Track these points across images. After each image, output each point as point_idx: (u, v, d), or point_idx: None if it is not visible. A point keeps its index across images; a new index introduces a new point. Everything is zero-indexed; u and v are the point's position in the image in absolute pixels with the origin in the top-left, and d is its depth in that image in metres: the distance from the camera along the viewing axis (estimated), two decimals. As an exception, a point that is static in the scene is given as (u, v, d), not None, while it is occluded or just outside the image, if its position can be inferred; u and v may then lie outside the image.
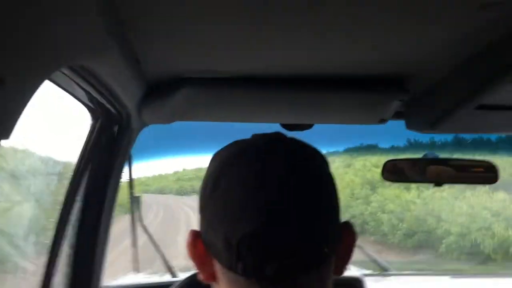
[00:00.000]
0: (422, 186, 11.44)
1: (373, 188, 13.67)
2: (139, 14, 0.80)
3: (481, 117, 1.13)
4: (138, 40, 0.92)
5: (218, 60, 1.07)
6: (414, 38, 0.92)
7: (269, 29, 0.87)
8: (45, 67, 0.63)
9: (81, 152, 1.31)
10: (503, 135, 1.28)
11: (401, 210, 12.64)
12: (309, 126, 1.47)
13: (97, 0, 0.70)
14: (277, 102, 1.28)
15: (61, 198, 1.31)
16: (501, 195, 11.22)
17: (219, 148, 0.68)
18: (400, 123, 1.36)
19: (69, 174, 1.31)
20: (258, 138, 0.67)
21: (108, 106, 1.18)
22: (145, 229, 1.91)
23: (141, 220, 1.88)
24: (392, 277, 2.14)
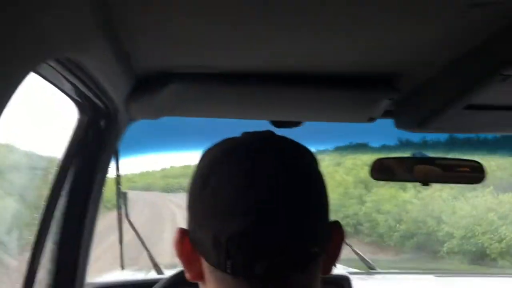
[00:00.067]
0: (420, 185, 11.48)
1: (367, 187, 13.30)
2: (129, 8, 0.79)
3: (469, 117, 1.14)
4: (127, 34, 0.91)
5: (207, 56, 1.06)
6: (404, 38, 0.92)
7: (259, 26, 0.87)
8: (30, 59, 0.62)
9: (67, 147, 1.29)
10: (499, 135, 1.28)
11: (398, 211, 12.26)
12: (298, 124, 1.47)
13: None
14: (266, 99, 1.27)
15: (45, 193, 1.29)
16: (507, 196, 10.78)
17: (208, 144, 0.68)
18: (391, 122, 1.36)
19: (54, 169, 1.29)
20: (248, 137, 0.66)
21: (95, 100, 1.16)
22: (132, 226, 1.89)
23: (127, 216, 1.86)
24: (378, 276, 2.16)
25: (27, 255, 1.28)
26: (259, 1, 0.75)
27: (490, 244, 9.90)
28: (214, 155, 0.64)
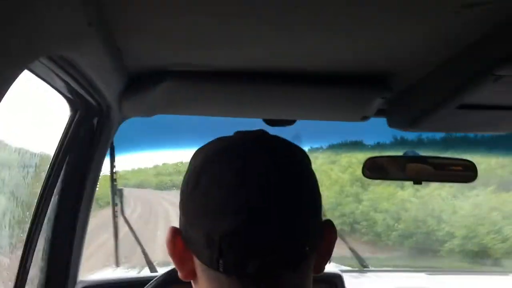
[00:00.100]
0: (418, 184, 11.17)
1: (364, 185, 12.84)
2: (122, 5, 0.79)
3: (462, 116, 1.14)
4: (119, 31, 0.90)
5: (200, 54, 1.06)
6: (397, 37, 0.93)
7: (252, 24, 0.87)
8: (23, 56, 0.61)
9: (59, 144, 1.28)
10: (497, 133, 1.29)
11: (396, 210, 11.84)
12: (292, 122, 1.47)
13: None
14: (259, 97, 1.27)
15: (37, 191, 1.29)
16: (511, 195, 10.38)
17: (201, 142, 0.68)
18: (385, 121, 1.37)
19: (47, 166, 1.29)
20: (240, 136, 0.66)
21: (88, 97, 1.16)
22: (128, 223, 1.88)
23: (123, 213, 1.85)
24: (370, 273, 2.17)
25: (19, 253, 1.27)
26: (254, 0, 0.75)
27: (494, 245, 9.53)
28: (206, 154, 0.64)
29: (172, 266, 1.36)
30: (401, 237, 11.22)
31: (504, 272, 2.34)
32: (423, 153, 1.64)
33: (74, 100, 1.20)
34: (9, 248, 1.41)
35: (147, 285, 1.23)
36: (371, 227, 12.04)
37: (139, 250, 1.97)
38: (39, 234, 1.31)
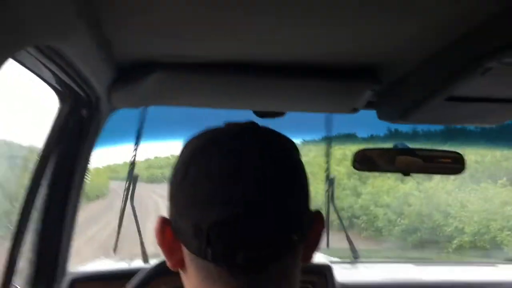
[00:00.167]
0: (420, 177, 10.40)
1: (362, 178, 12.56)
2: None
3: (451, 108, 1.15)
4: (108, 21, 0.89)
5: (190, 45, 1.06)
6: (386, 29, 0.93)
7: (242, 16, 0.86)
8: (9, 45, 0.60)
9: (48, 136, 1.27)
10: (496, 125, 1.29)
11: (399, 204, 11.27)
12: (281, 114, 1.47)
13: None
14: (249, 89, 1.27)
15: (25, 182, 1.28)
16: None
17: (191, 134, 0.68)
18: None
19: (35, 158, 1.28)
20: (231, 127, 0.66)
21: (77, 89, 1.15)
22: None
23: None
24: (360, 264, 2.18)
25: (7, 244, 1.27)
26: None
27: (509, 241, 9.07)
28: (196, 144, 0.64)
29: (161, 257, 1.36)
30: (404, 233, 10.79)
31: (493, 262, 2.37)
32: (419, 146, 1.65)
33: (62, 91, 1.19)
34: (-3, 239, 1.40)
35: (135, 275, 1.23)
36: (371, 222, 11.67)
37: (129, 241, 1.97)
38: (27, 225, 1.30)
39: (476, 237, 9.47)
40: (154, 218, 0.67)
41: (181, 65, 1.15)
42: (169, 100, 1.36)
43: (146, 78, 1.17)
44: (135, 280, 1.23)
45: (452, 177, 9.69)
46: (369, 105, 1.38)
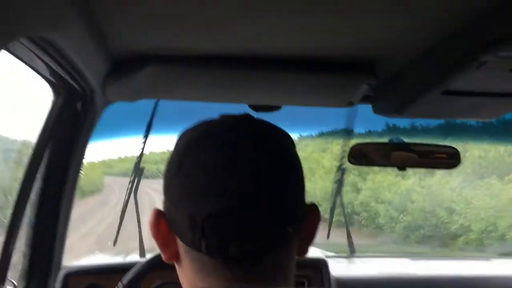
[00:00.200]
0: (422, 173, 10.21)
1: (362, 174, 12.17)
2: None
3: (446, 102, 1.15)
4: (102, 13, 0.89)
5: (185, 38, 1.05)
6: (382, 23, 0.93)
7: (238, 8, 0.86)
8: (1, 35, 0.60)
9: (42, 129, 1.27)
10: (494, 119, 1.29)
11: (401, 200, 10.90)
12: (277, 108, 1.46)
13: None
14: (244, 82, 1.26)
15: (19, 176, 1.27)
16: None
17: (187, 128, 0.67)
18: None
19: (29, 151, 1.27)
20: (226, 119, 0.66)
21: (71, 81, 1.14)
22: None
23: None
24: (355, 259, 2.19)
25: (1, 238, 1.26)
26: None
27: None
28: (190, 136, 0.64)
29: (156, 252, 1.36)
30: (407, 230, 10.47)
31: (487, 256, 2.38)
32: (418, 141, 1.65)
33: (57, 84, 1.18)
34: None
35: (131, 269, 1.23)
36: (372, 218, 11.36)
37: (125, 236, 1.96)
38: (22, 219, 1.30)
39: (483, 235, 9.13)
40: (149, 213, 0.66)
41: (177, 58, 1.15)
42: (164, 93, 1.36)
43: (141, 71, 1.16)
44: (129, 274, 1.22)
45: (455, 172, 9.52)
46: (365, 99, 1.38)
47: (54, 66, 0.99)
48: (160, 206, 0.67)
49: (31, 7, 0.65)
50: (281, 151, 0.63)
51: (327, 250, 2.10)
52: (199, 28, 0.98)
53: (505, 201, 9.38)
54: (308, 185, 0.66)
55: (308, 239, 0.67)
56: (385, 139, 1.67)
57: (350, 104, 1.40)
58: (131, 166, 1.81)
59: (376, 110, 1.35)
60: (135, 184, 1.74)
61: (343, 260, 2.12)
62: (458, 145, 1.67)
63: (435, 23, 0.90)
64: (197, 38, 1.05)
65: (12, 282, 1.32)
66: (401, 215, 10.72)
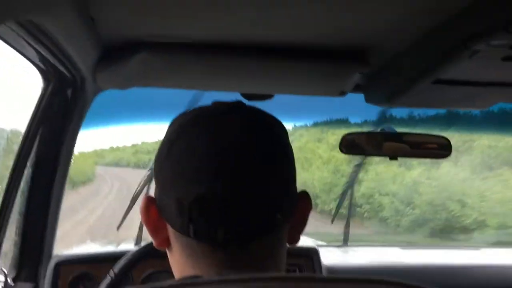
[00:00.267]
0: (428, 164, 9.60)
1: (362, 165, 11.39)
2: None
3: (438, 91, 1.15)
4: None
5: (177, 25, 1.04)
6: (375, 11, 0.92)
7: None
8: None
9: (32, 116, 1.25)
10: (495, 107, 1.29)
11: (407, 193, 10.27)
12: (270, 97, 1.46)
13: None
14: (236, 70, 1.26)
15: (10, 164, 1.26)
16: None
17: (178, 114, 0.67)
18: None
19: (19, 138, 1.26)
20: (218, 105, 0.66)
21: (61, 68, 1.13)
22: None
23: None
24: (346, 248, 2.20)
25: (-9, 226, 1.25)
26: None
27: None
28: (181, 121, 0.64)
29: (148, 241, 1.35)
30: (414, 223, 9.86)
31: (477, 246, 2.41)
32: (418, 131, 1.64)
33: (46, 71, 1.17)
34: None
35: (122, 257, 1.22)
36: (375, 211, 10.82)
37: (115, 226, 1.96)
38: (12, 208, 1.29)
39: (500, 231, 8.30)
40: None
41: (168, 45, 1.14)
42: (156, 81, 1.35)
43: (132, 58, 1.15)
44: (121, 263, 1.22)
45: (465, 163, 9.26)
46: (357, 89, 1.38)
47: (43, 52, 0.98)
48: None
49: None
50: (272, 138, 0.63)
51: (321, 240, 2.12)
52: (191, 15, 0.97)
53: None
54: (306, 175, 0.66)
55: (299, 227, 0.67)
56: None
57: (342, 93, 1.40)
58: (123, 155, 1.81)
59: (368, 99, 1.35)
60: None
61: (333, 249, 2.14)
62: (465, 134, 1.66)
63: (427, 11, 0.90)
64: (189, 25, 1.04)
65: (3, 271, 1.31)
66: (407, 208, 10.08)
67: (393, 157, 1.62)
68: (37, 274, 1.45)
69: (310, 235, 2.11)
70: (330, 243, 2.29)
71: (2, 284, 1.31)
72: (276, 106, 1.44)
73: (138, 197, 1.83)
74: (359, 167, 2.11)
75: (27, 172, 1.32)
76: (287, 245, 0.67)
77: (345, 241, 2.23)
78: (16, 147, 1.26)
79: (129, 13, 0.96)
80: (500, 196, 8.77)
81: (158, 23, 1.03)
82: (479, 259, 2.10)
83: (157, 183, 0.64)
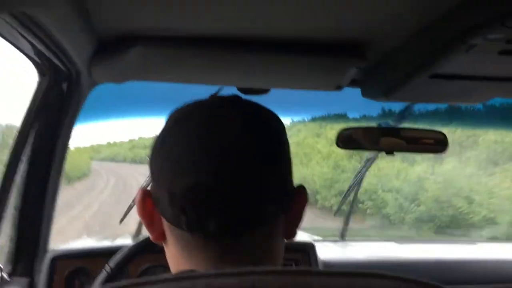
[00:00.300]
0: (433, 160, 9.56)
1: (362, 160, 10.39)
2: None
3: (434, 86, 1.15)
4: None
5: (174, 18, 1.03)
6: (371, 4, 0.92)
7: None
8: None
9: (27, 111, 1.25)
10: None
11: (411, 189, 10.02)
12: (266, 91, 1.45)
13: None
14: (232, 64, 1.25)
15: (4, 158, 1.25)
16: None
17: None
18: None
19: (14, 133, 1.25)
20: (215, 99, 0.66)
21: (56, 61, 1.12)
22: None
23: None
24: (343, 243, 2.21)
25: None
26: None
27: None
28: (177, 115, 0.64)
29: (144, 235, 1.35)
30: (419, 221, 9.53)
31: (474, 241, 2.42)
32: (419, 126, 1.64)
33: (41, 64, 1.16)
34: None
35: (118, 252, 1.22)
36: (378, 207, 10.54)
37: (112, 221, 1.96)
38: (7, 203, 1.28)
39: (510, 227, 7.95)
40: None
41: (165, 39, 1.13)
42: (152, 75, 1.34)
43: (128, 52, 1.14)
44: (116, 258, 1.22)
45: (471, 158, 9.09)
46: (353, 83, 1.37)
47: (38, 45, 0.97)
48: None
49: None
50: (267, 130, 0.63)
51: (320, 235, 2.12)
52: (188, 9, 0.96)
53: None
54: (305, 171, 0.66)
55: (295, 221, 0.67)
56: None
57: (339, 87, 1.40)
58: (120, 151, 1.81)
59: (365, 94, 1.35)
60: None
61: (330, 244, 2.14)
62: (468, 129, 1.65)
63: (424, 5, 0.90)
64: (186, 19, 1.03)
65: (-2, 265, 1.31)
66: (412, 205, 9.84)
67: (390, 152, 1.62)
68: (33, 269, 1.45)
69: (306, 230, 2.12)
70: (326, 238, 2.30)
71: (-2, 279, 1.31)
72: (273, 101, 1.43)
73: None
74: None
75: (22, 167, 1.31)
76: (285, 239, 0.67)
77: (343, 236, 2.23)
78: (11, 142, 1.25)
79: (125, 6, 0.95)
80: (509, 192, 8.58)
81: (154, 16, 1.02)
82: (475, 254, 2.11)
83: (151, 175, 0.64)
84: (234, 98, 0.66)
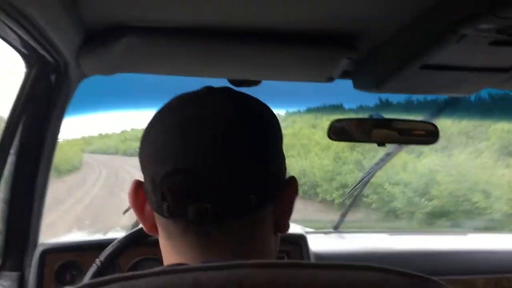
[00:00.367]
0: (444, 151, 9.09)
1: (365, 152, 10.68)
2: None
3: (425, 77, 1.15)
4: None
5: (163, 9, 1.02)
6: None
7: None
8: None
9: (14, 103, 1.23)
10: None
11: (421, 182, 9.41)
12: (257, 83, 1.45)
13: None
14: (223, 56, 1.24)
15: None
16: None
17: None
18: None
19: (1, 126, 1.24)
20: (206, 90, 0.66)
21: (43, 52, 1.10)
22: None
23: None
24: (335, 234, 2.22)
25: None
26: None
27: None
28: (167, 104, 0.64)
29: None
30: (430, 216, 8.88)
31: (463, 231, 2.43)
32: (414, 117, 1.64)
33: (28, 55, 1.14)
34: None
35: (110, 245, 1.21)
36: (383, 201, 9.97)
37: (104, 214, 1.95)
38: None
39: None
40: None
41: (154, 30, 1.11)
42: (142, 67, 1.32)
43: (117, 43, 1.12)
44: (107, 251, 1.21)
45: (483, 149, 8.69)
46: (345, 75, 1.37)
47: (25, 36, 0.96)
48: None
49: None
50: (254, 119, 0.62)
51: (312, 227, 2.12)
52: None
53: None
54: (304, 163, 0.65)
55: (285, 214, 0.66)
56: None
57: (330, 79, 1.39)
58: (112, 143, 1.79)
59: (356, 85, 1.34)
60: None
61: (321, 235, 2.15)
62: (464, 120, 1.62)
63: None
64: (176, 10, 1.02)
65: (-13, 260, 1.30)
66: (422, 199, 9.21)
67: (382, 143, 1.62)
68: (22, 262, 1.44)
69: (299, 222, 2.12)
70: (319, 230, 2.30)
71: (-13, 273, 1.30)
72: (266, 92, 1.43)
73: None
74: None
75: (11, 159, 1.30)
76: (278, 234, 0.67)
77: (336, 228, 2.24)
78: (-2, 134, 1.24)
79: None
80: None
81: (143, 6, 1.01)
82: (465, 244, 2.12)
83: (140, 165, 0.64)
84: (224, 89, 0.66)
